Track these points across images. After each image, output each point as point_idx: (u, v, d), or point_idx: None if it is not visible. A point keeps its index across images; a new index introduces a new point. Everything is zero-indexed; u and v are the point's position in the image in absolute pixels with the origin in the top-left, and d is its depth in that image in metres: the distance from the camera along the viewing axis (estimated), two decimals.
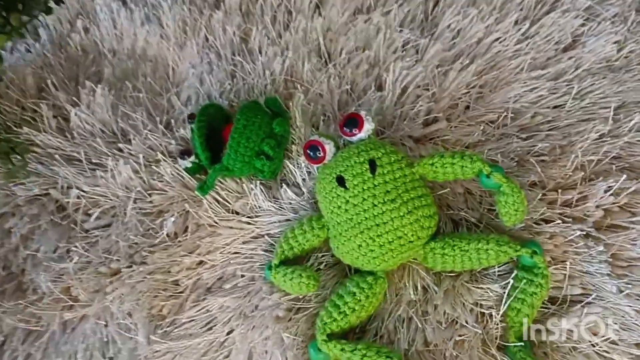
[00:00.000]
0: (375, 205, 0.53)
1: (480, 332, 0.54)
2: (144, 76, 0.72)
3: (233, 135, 0.60)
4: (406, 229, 0.53)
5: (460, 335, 0.54)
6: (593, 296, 0.54)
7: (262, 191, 0.61)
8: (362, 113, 0.58)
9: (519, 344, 0.53)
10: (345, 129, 0.58)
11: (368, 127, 0.58)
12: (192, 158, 0.62)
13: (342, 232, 0.55)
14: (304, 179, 0.62)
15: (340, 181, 0.55)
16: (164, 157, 0.64)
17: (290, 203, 0.61)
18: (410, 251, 0.54)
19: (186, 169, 0.63)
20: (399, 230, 0.53)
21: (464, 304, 0.55)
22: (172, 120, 0.68)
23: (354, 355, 0.51)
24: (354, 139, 0.58)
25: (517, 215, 0.53)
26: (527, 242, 0.54)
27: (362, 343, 0.52)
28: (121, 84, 0.72)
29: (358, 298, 0.54)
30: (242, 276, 0.59)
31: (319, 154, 0.57)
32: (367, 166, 0.55)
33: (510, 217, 0.53)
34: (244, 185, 0.62)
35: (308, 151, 0.58)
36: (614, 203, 0.57)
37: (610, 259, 0.55)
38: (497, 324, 0.54)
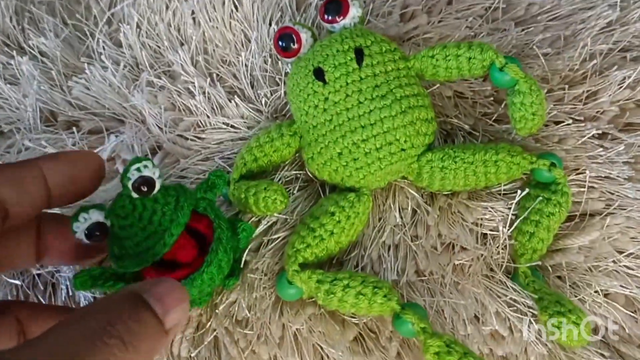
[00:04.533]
0: (361, 103, 0.43)
1: (484, 254, 0.45)
2: None
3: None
4: (399, 132, 0.43)
5: (459, 260, 0.45)
6: (615, 205, 0.45)
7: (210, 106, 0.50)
8: None
9: (533, 263, 0.44)
10: (326, 15, 0.46)
11: (354, 12, 0.46)
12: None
13: (319, 138, 0.44)
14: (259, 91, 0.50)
15: (319, 74, 0.44)
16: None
17: (244, 120, 0.50)
18: (401, 162, 0.44)
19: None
20: (389, 133, 0.42)
21: (462, 224, 0.46)
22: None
23: (334, 286, 0.41)
24: (337, 27, 0.46)
25: (535, 120, 0.43)
26: (543, 153, 0.45)
27: (343, 272, 0.42)
28: None
29: (337, 219, 0.43)
30: None
31: (293, 45, 0.46)
32: (353, 55, 0.44)
33: (527, 122, 0.43)
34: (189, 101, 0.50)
35: (279, 42, 0.46)
36: (629, 99, 0.49)
37: (632, 161, 0.47)
38: (505, 248, 0.45)
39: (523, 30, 0.53)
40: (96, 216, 0.37)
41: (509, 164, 0.43)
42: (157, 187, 0.39)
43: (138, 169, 0.38)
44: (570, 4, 0.54)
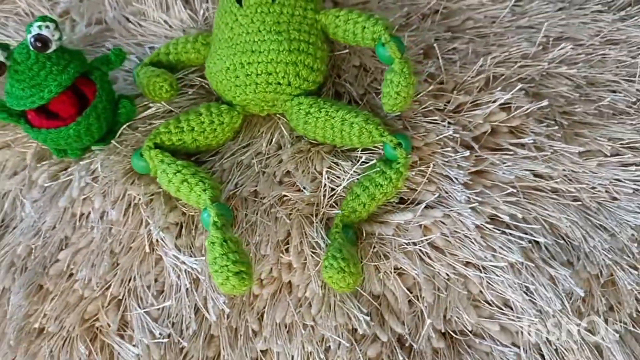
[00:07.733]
0: (260, 31, 0.49)
1: (312, 199, 0.49)
2: None
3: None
4: (279, 66, 0.48)
5: (289, 193, 0.50)
6: (437, 196, 0.49)
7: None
8: None
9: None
10: None
11: None
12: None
13: (218, 50, 0.50)
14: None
15: None
16: None
17: (181, 23, 0.57)
18: (275, 95, 0.49)
19: None
20: (271, 64, 0.48)
21: (309, 168, 0.50)
22: None
23: (169, 167, 0.46)
24: None
25: (397, 100, 0.48)
26: (398, 133, 0.49)
27: (185, 162, 0.48)
28: None
29: (202, 120, 0.49)
30: None
31: None
32: None
33: (389, 99, 0.48)
34: None
35: None
36: (503, 122, 0.52)
37: (474, 172, 0.50)
38: (334, 204, 0.49)
39: (451, 38, 0.57)
40: None
41: (362, 128, 0.48)
42: (53, 47, 0.46)
43: (39, 27, 0.45)
44: (500, 28, 0.58)
